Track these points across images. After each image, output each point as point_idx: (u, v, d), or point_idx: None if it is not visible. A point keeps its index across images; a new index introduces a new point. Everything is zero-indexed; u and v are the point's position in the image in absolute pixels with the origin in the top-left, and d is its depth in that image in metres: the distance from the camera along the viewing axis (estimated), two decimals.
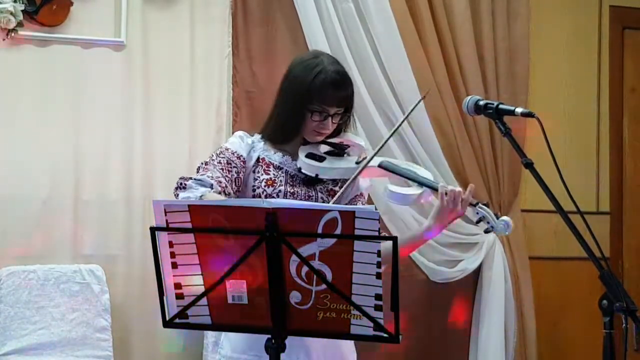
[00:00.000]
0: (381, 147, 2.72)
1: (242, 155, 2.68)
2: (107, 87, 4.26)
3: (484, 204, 2.63)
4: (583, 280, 4.81)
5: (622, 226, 5.16)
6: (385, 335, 2.08)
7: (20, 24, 4.09)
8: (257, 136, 2.74)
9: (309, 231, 2.06)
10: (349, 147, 2.76)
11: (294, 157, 2.70)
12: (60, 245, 4.17)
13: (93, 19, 4.26)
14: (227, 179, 2.62)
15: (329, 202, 2.66)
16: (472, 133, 4.71)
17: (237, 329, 2.29)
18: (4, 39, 4.10)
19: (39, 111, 4.16)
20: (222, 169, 2.64)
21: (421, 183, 2.66)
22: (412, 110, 2.86)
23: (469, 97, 2.54)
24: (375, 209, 2.06)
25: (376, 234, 2.04)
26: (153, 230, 2.14)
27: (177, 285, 2.16)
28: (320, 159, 2.68)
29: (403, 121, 2.92)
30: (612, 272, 2.18)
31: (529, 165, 2.34)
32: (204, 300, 2.16)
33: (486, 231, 2.63)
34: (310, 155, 2.68)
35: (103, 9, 4.27)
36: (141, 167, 4.27)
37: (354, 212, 2.04)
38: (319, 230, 2.05)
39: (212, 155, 2.67)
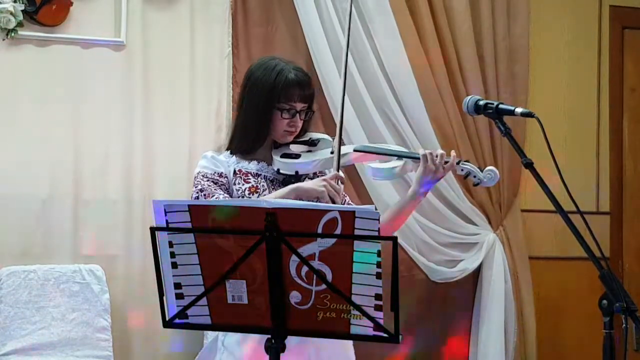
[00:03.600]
0: (340, 130, 2.73)
1: (222, 172, 2.71)
2: (107, 87, 4.26)
3: (465, 161, 2.69)
4: (583, 280, 4.81)
5: (622, 226, 5.16)
6: (385, 335, 2.08)
7: (20, 24, 4.09)
8: (226, 153, 2.76)
9: (309, 231, 2.06)
10: (319, 140, 2.79)
11: (269, 161, 2.73)
12: (60, 245, 4.17)
13: (93, 19, 4.26)
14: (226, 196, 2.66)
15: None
16: (472, 133, 4.71)
17: (237, 329, 2.29)
18: (4, 39, 4.10)
19: (39, 111, 4.16)
20: (220, 189, 2.66)
21: (400, 156, 2.73)
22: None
23: (469, 97, 2.54)
24: (375, 209, 2.06)
25: (376, 234, 2.04)
26: (153, 230, 2.14)
27: (177, 285, 2.16)
28: (295, 156, 2.72)
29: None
30: (612, 272, 2.18)
31: (529, 165, 2.34)
32: (204, 300, 2.16)
33: (475, 184, 2.71)
34: (285, 155, 2.71)
35: (103, 9, 4.27)
36: (141, 167, 4.27)
37: (354, 212, 2.04)
38: (319, 230, 2.05)
39: (201, 182, 2.67)
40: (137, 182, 4.26)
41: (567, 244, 4.77)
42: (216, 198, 2.62)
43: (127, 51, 4.29)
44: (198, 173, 2.72)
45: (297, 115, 2.70)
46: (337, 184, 2.64)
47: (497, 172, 2.71)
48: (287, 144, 2.75)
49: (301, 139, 2.78)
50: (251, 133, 2.72)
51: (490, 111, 2.47)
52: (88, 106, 4.23)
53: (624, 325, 2.11)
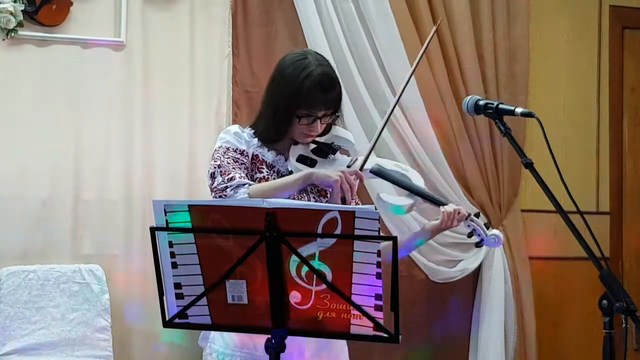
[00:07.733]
0: (369, 153, 2.73)
1: (244, 150, 2.67)
2: (107, 87, 4.25)
3: (475, 215, 2.69)
4: (583, 280, 4.81)
5: (622, 226, 5.16)
6: (385, 335, 2.08)
7: (20, 24, 4.09)
8: (250, 131, 2.73)
9: (309, 231, 2.06)
10: (340, 147, 2.76)
11: (286, 156, 2.71)
12: (60, 245, 4.17)
13: (93, 19, 4.25)
14: (246, 175, 2.63)
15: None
16: (472, 133, 4.71)
17: (237, 329, 2.29)
18: (4, 39, 4.10)
19: (39, 111, 4.16)
20: (240, 167, 2.63)
21: (415, 193, 2.73)
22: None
23: (469, 97, 2.55)
24: (375, 209, 2.06)
25: (376, 234, 2.04)
26: (153, 230, 2.14)
27: (177, 285, 2.16)
28: (311, 163, 2.68)
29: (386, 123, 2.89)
30: (612, 272, 2.18)
31: (529, 165, 2.34)
32: (204, 300, 2.16)
33: (477, 245, 2.73)
34: (301, 159, 2.68)
35: (103, 9, 4.27)
36: (141, 167, 4.27)
37: (353, 212, 2.04)
38: (319, 230, 2.06)
39: (220, 158, 2.64)
40: (137, 182, 4.26)
41: (567, 244, 4.76)
42: (232, 177, 2.57)
43: (127, 51, 4.29)
44: (219, 147, 2.67)
45: (318, 121, 2.64)
46: (355, 180, 2.61)
47: (501, 237, 2.73)
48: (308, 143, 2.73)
49: (322, 141, 2.74)
50: (272, 129, 2.67)
51: (490, 111, 2.47)
52: (88, 106, 4.22)
53: (624, 325, 2.11)
